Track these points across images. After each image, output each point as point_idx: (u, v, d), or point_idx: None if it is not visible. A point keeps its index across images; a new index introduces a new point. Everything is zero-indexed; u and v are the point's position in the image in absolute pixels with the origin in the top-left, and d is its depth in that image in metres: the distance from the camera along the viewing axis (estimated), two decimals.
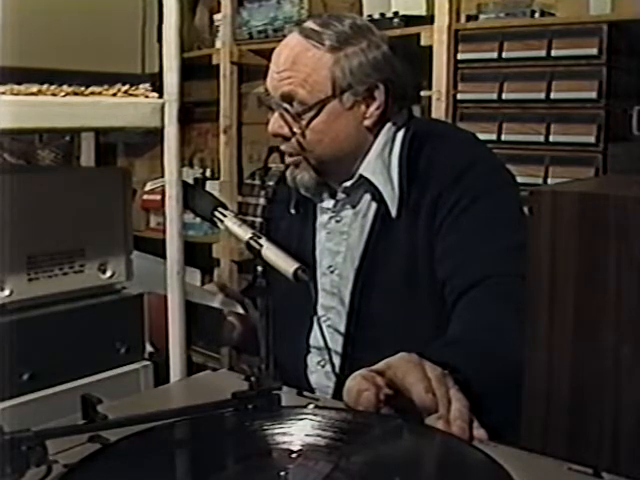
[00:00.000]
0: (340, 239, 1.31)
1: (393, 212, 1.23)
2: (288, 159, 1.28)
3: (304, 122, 1.23)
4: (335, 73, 1.22)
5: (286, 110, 1.24)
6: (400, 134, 1.28)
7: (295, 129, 1.24)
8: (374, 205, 1.27)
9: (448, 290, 1.18)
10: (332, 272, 1.32)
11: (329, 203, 1.33)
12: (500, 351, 0.94)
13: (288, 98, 1.23)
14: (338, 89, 1.23)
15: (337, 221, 1.32)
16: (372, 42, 1.25)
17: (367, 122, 1.26)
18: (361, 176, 1.26)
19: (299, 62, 1.23)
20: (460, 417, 0.75)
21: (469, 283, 1.14)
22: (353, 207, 1.30)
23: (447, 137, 1.32)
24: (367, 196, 1.27)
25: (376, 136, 1.27)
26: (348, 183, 1.29)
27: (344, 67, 1.22)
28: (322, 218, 1.34)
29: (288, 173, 1.31)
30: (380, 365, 0.82)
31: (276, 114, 1.26)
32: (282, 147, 1.28)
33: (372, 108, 1.25)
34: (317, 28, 1.24)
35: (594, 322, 0.70)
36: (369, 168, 1.26)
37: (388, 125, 1.28)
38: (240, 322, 1.38)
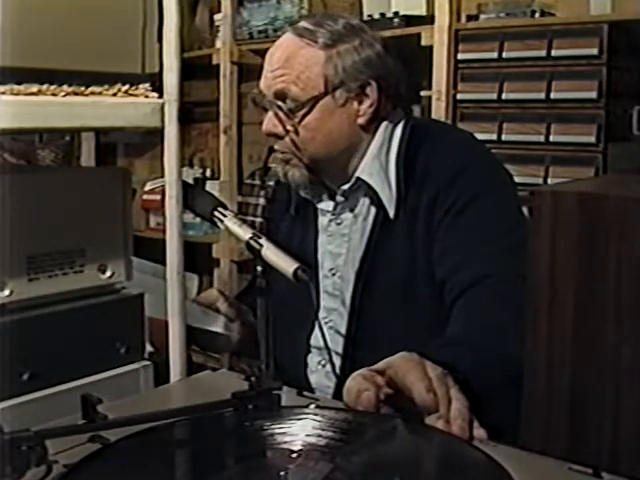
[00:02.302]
0: (341, 241, 1.31)
1: (391, 213, 1.23)
2: (279, 155, 1.28)
3: (297, 119, 1.24)
4: (328, 70, 1.23)
5: (279, 108, 1.24)
6: (397, 135, 1.28)
7: (288, 126, 1.24)
8: (373, 208, 1.26)
9: (447, 289, 1.18)
10: (334, 274, 1.31)
11: (329, 205, 1.33)
12: (499, 351, 0.94)
13: (281, 95, 1.24)
14: (330, 86, 1.23)
15: (338, 224, 1.32)
16: (365, 41, 1.25)
17: (360, 120, 1.26)
18: (358, 179, 1.26)
19: (292, 60, 1.23)
20: (460, 417, 0.75)
21: (468, 282, 1.14)
22: (352, 210, 1.30)
23: (445, 137, 1.32)
24: (366, 199, 1.27)
25: (372, 137, 1.27)
26: (346, 186, 1.28)
27: (337, 64, 1.23)
28: (323, 221, 1.34)
29: (280, 170, 1.30)
30: (380, 364, 0.82)
31: (270, 113, 1.26)
32: (275, 146, 1.28)
33: (365, 105, 1.25)
34: (310, 27, 1.25)
35: (594, 322, 0.70)
36: (366, 170, 1.26)
37: (384, 125, 1.28)
38: (236, 331, 1.38)
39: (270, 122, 1.26)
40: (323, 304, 1.30)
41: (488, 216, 1.19)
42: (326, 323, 1.29)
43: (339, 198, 1.31)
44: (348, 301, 1.27)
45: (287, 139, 1.25)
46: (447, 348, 0.99)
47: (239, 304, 1.41)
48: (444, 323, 1.14)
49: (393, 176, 1.25)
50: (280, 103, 1.24)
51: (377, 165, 1.26)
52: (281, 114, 1.24)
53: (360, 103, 1.25)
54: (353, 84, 1.24)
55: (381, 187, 1.24)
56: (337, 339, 1.28)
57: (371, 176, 1.25)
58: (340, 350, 1.27)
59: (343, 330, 1.28)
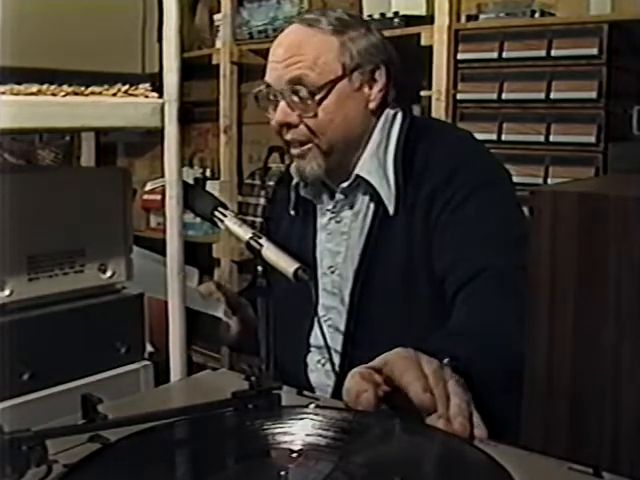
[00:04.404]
0: (340, 239, 1.31)
1: (390, 210, 1.24)
2: (294, 150, 1.28)
3: (315, 104, 1.24)
4: (344, 54, 1.26)
5: (296, 93, 1.24)
6: (395, 132, 1.29)
7: (305, 113, 1.25)
8: (373, 205, 1.27)
9: (448, 284, 1.18)
10: (333, 272, 1.32)
11: (328, 204, 1.33)
12: (500, 342, 0.94)
13: (297, 82, 1.24)
14: (348, 69, 1.26)
15: (337, 222, 1.32)
16: (369, 29, 1.30)
17: (372, 105, 1.28)
18: (357, 176, 1.27)
19: (305, 47, 1.25)
20: (460, 413, 0.74)
21: (468, 277, 1.14)
22: (351, 208, 1.30)
23: (444, 134, 1.33)
24: (365, 197, 1.28)
25: (371, 133, 1.28)
26: (345, 184, 1.29)
27: (351, 48, 1.26)
28: (322, 219, 1.35)
29: (294, 167, 1.31)
30: (377, 362, 0.81)
31: (282, 103, 1.26)
32: (288, 137, 1.28)
33: (375, 90, 1.28)
34: (317, 17, 1.28)
35: (594, 322, 0.70)
36: (365, 167, 1.27)
37: (381, 122, 1.29)
38: (235, 322, 1.38)
39: (282, 112, 1.26)
40: (322, 302, 1.30)
41: (487, 210, 1.19)
42: (325, 321, 1.29)
43: (339, 196, 1.31)
44: (347, 299, 1.28)
45: (302, 126, 1.26)
46: (447, 337, 0.99)
47: (238, 297, 1.41)
48: (444, 320, 1.14)
49: (391, 173, 1.25)
50: (298, 87, 1.24)
51: (375, 162, 1.26)
52: (297, 100, 1.24)
53: (370, 88, 1.28)
54: (367, 67, 1.27)
55: (380, 184, 1.25)
56: (336, 337, 1.28)
57: (370, 173, 1.26)
58: (339, 348, 1.27)
59: (342, 328, 1.28)
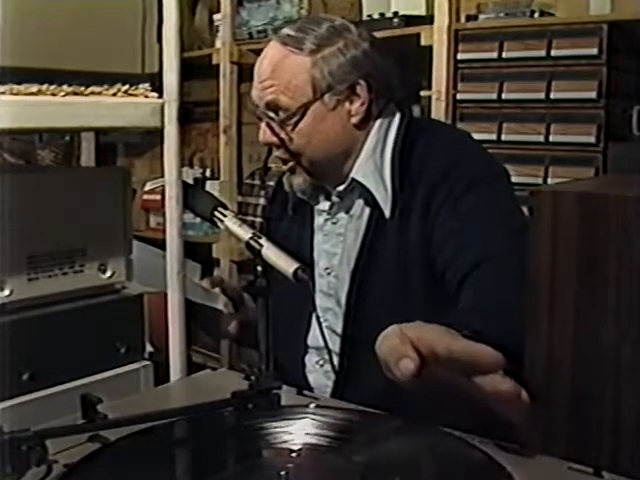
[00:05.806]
0: (337, 241, 1.31)
1: (387, 213, 1.23)
2: (284, 166, 1.29)
3: (289, 127, 1.24)
4: (314, 76, 1.22)
5: (271, 119, 1.25)
6: (392, 133, 1.28)
7: (282, 135, 1.25)
8: (368, 207, 1.26)
9: (450, 275, 1.17)
10: (329, 274, 1.32)
11: (325, 205, 1.33)
12: (501, 325, 0.94)
13: (273, 106, 1.24)
14: (319, 91, 1.23)
15: (333, 223, 1.32)
16: (349, 41, 1.25)
17: (354, 120, 1.26)
18: (353, 180, 1.26)
19: (279, 70, 1.23)
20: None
21: (470, 266, 1.13)
22: (347, 212, 1.30)
23: (441, 135, 1.32)
24: (361, 200, 1.27)
25: (367, 136, 1.27)
26: (341, 187, 1.29)
27: (322, 69, 1.23)
28: (319, 220, 1.34)
29: (285, 179, 1.31)
30: (411, 335, 0.74)
31: (263, 124, 1.26)
32: (276, 154, 1.28)
33: (356, 105, 1.25)
34: (294, 34, 1.25)
35: (594, 322, 0.70)
36: (360, 171, 1.26)
37: (378, 123, 1.28)
38: (237, 315, 1.38)
39: (264, 132, 1.27)
40: (318, 303, 1.30)
41: (487, 201, 1.19)
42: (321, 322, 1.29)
43: (335, 198, 1.31)
44: (343, 300, 1.27)
45: (283, 147, 1.26)
46: (461, 315, 0.99)
47: (240, 291, 1.41)
48: (441, 319, 1.14)
49: (388, 176, 1.25)
50: (272, 114, 1.24)
51: (372, 165, 1.26)
52: (274, 124, 1.25)
53: (351, 103, 1.25)
54: (341, 86, 1.24)
55: (376, 187, 1.24)
56: (333, 339, 1.28)
57: (365, 177, 1.25)
58: (337, 350, 1.27)
59: (339, 330, 1.28)
